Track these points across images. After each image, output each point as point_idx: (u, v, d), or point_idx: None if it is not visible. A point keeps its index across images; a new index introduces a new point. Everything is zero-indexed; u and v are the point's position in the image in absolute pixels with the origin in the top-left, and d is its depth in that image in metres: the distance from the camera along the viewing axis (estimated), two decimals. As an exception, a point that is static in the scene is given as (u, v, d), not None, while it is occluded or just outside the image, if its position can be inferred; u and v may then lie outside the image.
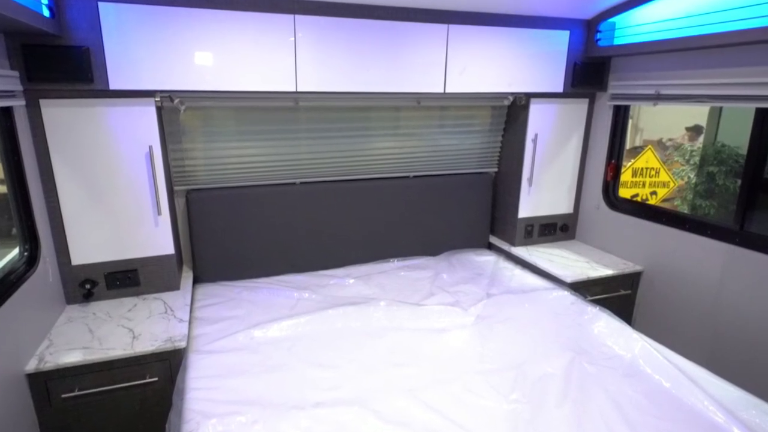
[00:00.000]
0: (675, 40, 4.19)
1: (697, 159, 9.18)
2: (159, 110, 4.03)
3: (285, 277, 4.98)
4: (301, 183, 5.02)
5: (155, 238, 4.14)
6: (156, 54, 3.66)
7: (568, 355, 3.65)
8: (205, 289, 4.62)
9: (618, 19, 4.75)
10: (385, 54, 4.31)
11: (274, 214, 4.87)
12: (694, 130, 9.95)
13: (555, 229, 5.74)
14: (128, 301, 4.09)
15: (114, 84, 3.60)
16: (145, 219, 4.06)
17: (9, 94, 3.24)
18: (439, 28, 4.41)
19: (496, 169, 5.88)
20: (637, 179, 7.18)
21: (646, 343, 3.72)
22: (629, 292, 5.03)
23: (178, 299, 4.15)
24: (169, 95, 4.04)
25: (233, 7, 3.79)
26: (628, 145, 6.92)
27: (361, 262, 5.39)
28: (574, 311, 4.28)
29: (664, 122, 10.77)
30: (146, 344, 3.42)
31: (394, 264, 5.40)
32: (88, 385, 3.31)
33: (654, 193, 7.29)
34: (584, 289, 4.76)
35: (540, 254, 5.36)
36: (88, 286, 3.98)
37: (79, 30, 3.44)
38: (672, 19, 4.23)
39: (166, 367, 3.49)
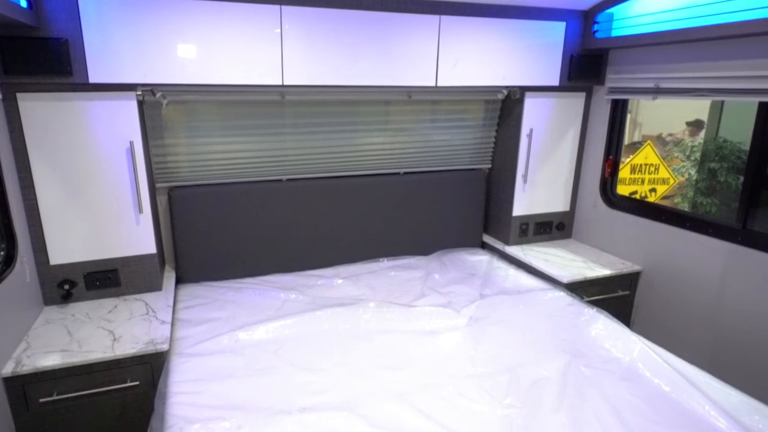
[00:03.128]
0: (675, 32, 4.20)
1: (697, 155, 9.20)
2: (140, 104, 4.04)
3: (271, 278, 4.98)
4: (288, 180, 5.02)
5: (136, 236, 4.14)
6: (137, 46, 3.66)
7: (565, 358, 3.66)
8: (188, 290, 4.62)
9: (616, 10, 4.76)
10: (374, 46, 4.32)
11: (259, 212, 4.87)
12: (695, 125, 9.96)
13: (551, 228, 5.76)
14: (108, 302, 4.09)
15: (94, 77, 3.59)
16: (125, 217, 4.06)
17: (-16, 88, 3.24)
18: (431, 20, 4.42)
19: (489, 166, 5.90)
20: (636, 176, 7.19)
21: (645, 345, 3.74)
22: (628, 292, 5.05)
23: (160, 300, 4.15)
24: (150, 89, 4.06)
25: (217, -3, 3.80)
26: (626, 141, 6.94)
27: (350, 261, 5.39)
28: (571, 313, 4.30)
29: (664, 117, 10.78)
30: (127, 347, 3.42)
31: (384, 264, 5.41)
32: (67, 389, 3.31)
33: (653, 190, 7.31)
34: (581, 289, 4.77)
35: (535, 253, 5.37)
36: (66, 287, 3.98)
37: (58, 21, 3.43)
38: (672, 9, 4.24)
39: (148, 371, 3.49)
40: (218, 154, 4.72)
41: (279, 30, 4.00)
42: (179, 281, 4.74)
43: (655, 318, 4.94)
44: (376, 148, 5.31)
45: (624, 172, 7.01)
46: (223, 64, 3.93)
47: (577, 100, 5.38)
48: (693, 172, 9.20)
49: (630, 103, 5.34)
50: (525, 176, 5.39)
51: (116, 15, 3.56)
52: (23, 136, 3.62)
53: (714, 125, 9.55)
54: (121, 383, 3.42)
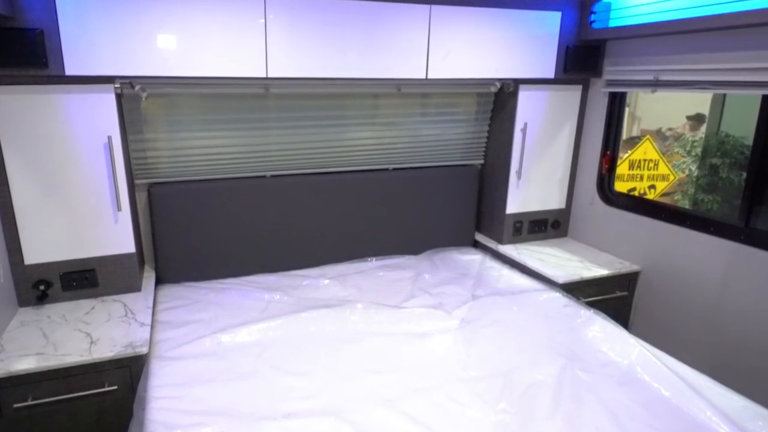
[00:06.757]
0: (675, 22, 4.22)
1: (698, 150, 9.23)
2: (119, 98, 4.02)
3: (255, 278, 4.99)
4: (272, 176, 5.03)
5: (114, 235, 4.14)
6: (116, 37, 3.65)
7: (560, 361, 3.68)
8: (169, 291, 4.62)
9: None
10: (362, 37, 4.32)
11: (243, 210, 4.87)
12: (696, 119, 9.98)
13: (546, 226, 5.77)
14: (85, 304, 4.08)
15: (70, 69, 3.59)
16: (103, 215, 4.06)
17: (-45, 80, 3.24)
18: (421, 9, 4.42)
19: (482, 161, 5.91)
20: (635, 172, 7.20)
21: (644, 348, 3.75)
22: (626, 293, 5.07)
23: (140, 301, 4.14)
24: (129, 81, 4.03)
25: (199, -14, 3.79)
26: (624, 136, 6.95)
27: (337, 261, 5.39)
28: (567, 314, 4.31)
29: (664, 111, 10.79)
30: (105, 350, 3.41)
31: (373, 263, 5.42)
32: (43, 394, 3.31)
33: (653, 186, 7.33)
34: (577, 290, 4.79)
35: (530, 253, 5.39)
36: (42, 288, 3.97)
37: (33, 11, 3.42)
38: (672, -1, 4.26)
39: (127, 375, 3.49)
40: (200, 150, 4.71)
41: (263, 20, 4.00)
42: (159, 282, 4.73)
43: (655, 320, 4.96)
44: (364, 144, 5.31)
45: (622, 168, 7.02)
46: (205, 55, 3.93)
47: (573, 93, 5.39)
48: (694, 168, 9.22)
49: (628, 96, 5.36)
50: (519, 172, 5.40)
51: (94, 4, 3.55)
52: (-4, 130, 3.62)
53: (716, 119, 9.57)
54: (99, 388, 3.42)
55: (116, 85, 3.89)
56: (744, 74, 3.98)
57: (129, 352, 3.42)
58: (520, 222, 5.63)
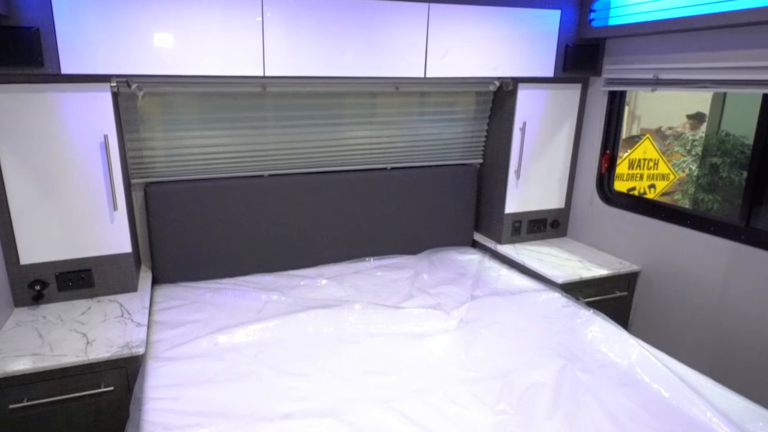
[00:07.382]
0: (675, 20, 4.21)
1: (699, 149, 9.23)
2: (115, 96, 4.03)
3: (252, 278, 4.98)
4: (270, 175, 5.03)
5: (110, 235, 4.13)
6: (112, 35, 3.64)
7: (559, 362, 3.67)
8: (165, 291, 4.61)
9: (613, -2, 4.77)
10: (360, 36, 4.32)
11: (240, 209, 4.86)
12: (696, 118, 9.99)
13: (545, 226, 5.77)
14: (81, 304, 4.08)
15: (66, 68, 3.58)
16: (99, 214, 4.05)
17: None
18: (419, 8, 4.42)
19: (481, 161, 5.91)
20: (634, 171, 7.20)
21: (644, 349, 3.75)
22: (625, 293, 5.07)
23: (136, 302, 4.14)
24: (126, 80, 4.05)
25: (196, -16, 3.78)
26: (624, 135, 6.95)
27: (335, 261, 5.39)
28: (566, 314, 4.31)
29: (664, 109, 10.80)
30: (101, 350, 3.41)
31: (371, 263, 5.41)
32: (39, 394, 3.30)
33: (652, 186, 7.32)
34: (577, 290, 4.79)
35: (529, 253, 5.38)
36: (38, 288, 3.97)
37: (29, 9, 3.41)
38: (672, -3, 4.26)
39: (123, 376, 3.49)
40: (197, 149, 4.71)
41: (260, 18, 3.99)
42: (156, 282, 4.72)
43: (655, 320, 4.95)
44: (362, 143, 5.31)
45: (622, 168, 7.02)
46: (202, 54, 3.92)
47: (572, 92, 5.39)
48: (694, 167, 9.23)
49: (628, 95, 5.36)
50: (518, 172, 5.40)
51: (90, 3, 3.54)
52: (-8, 129, 3.62)
53: (716, 118, 9.57)
54: (95, 388, 3.42)
55: (112, 84, 3.88)
56: (744, 73, 3.98)
57: (125, 352, 3.42)
58: (519, 221, 5.63)
